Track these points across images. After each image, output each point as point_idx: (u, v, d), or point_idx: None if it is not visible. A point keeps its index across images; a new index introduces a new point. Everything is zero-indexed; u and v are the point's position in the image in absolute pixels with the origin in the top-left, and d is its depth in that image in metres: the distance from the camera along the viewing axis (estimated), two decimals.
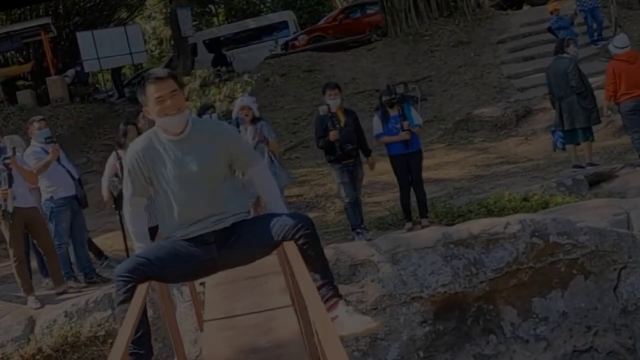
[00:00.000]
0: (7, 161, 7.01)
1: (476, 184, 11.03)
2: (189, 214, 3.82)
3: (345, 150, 8.19)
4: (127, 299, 3.57)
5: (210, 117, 8.61)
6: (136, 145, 3.89)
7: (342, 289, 6.53)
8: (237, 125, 8.05)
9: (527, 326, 6.71)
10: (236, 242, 3.84)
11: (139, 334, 3.65)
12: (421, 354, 6.47)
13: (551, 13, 16.35)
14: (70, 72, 21.55)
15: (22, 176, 7.18)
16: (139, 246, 3.99)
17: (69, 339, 6.60)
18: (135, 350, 3.66)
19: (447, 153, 13.70)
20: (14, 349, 6.59)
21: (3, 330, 6.75)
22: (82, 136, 18.08)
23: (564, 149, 10.22)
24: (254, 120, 8.16)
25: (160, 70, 3.86)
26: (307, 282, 3.32)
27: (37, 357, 6.57)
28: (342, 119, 8.32)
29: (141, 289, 3.63)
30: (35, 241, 7.50)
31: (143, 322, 3.71)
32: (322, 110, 8.28)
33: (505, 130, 14.52)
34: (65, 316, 6.79)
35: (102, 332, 6.48)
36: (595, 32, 16.87)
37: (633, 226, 7.07)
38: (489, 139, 14.21)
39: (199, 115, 8.63)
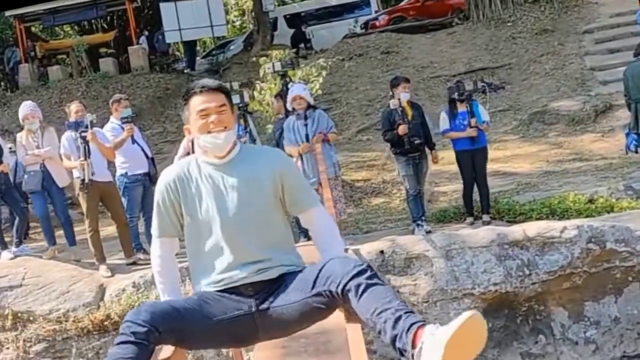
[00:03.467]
0: (84, 134, 7.45)
1: (545, 180, 10.97)
2: (225, 259, 3.05)
3: (413, 144, 8.32)
4: (126, 342, 2.74)
5: None
6: (168, 174, 3.18)
7: (396, 280, 6.80)
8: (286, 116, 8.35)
9: (577, 329, 6.78)
10: (280, 301, 3.00)
11: None
12: None
13: None
14: (142, 40, 22.10)
15: (100, 151, 7.61)
16: (165, 298, 3.19)
17: (135, 307, 6.97)
18: None
19: (519, 145, 13.60)
20: (85, 314, 7.03)
21: (76, 295, 7.21)
22: (160, 106, 18.61)
23: (636, 152, 10.07)
24: (309, 109, 8.25)
25: (209, 81, 3.22)
26: None
27: (106, 323, 6.99)
28: (410, 112, 8.43)
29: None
30: (109, 213, 7.97)
31: None
32: (393, 104, 8.39)
33: (582, 125, 14.26)
34: (133, 286, 7.19)
35: None
36: None
37: None
38: (564, 134, 14.01)
39: None
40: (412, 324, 2.61)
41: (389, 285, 2.91)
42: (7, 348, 7.12)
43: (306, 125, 8.07)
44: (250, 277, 3.03)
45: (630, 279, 6.84)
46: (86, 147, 7.47)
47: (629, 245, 6.79)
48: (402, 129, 8.23)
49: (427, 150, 8.62)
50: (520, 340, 6.73)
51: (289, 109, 8.46)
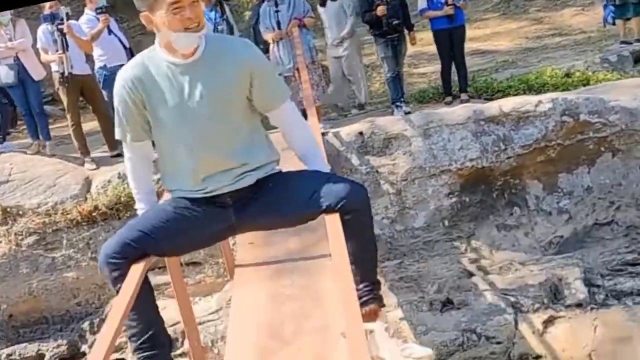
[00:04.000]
0: (60, 27, 7.40)
1: (524, 57, 11.02)
2: (198, 166, 2.87)
3: (392, 25, 8.28)
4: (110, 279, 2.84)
5: None
6: (126, 72, 2.88)
7: (375, 161, 6.95)
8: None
9: (551, 200, 7.00)
10: (262, 207, 2.93)
11: (149, 333, 2.92)
12: (446, 222, 6.87)
13: None
14: None
15: (77, 44, 7.58)
16: (141, 208, 3.10)
17: (122, 198, 7.12)
18: (147, 354, 2.92)
19: (500, 23, 13.54)
20: (73, 206, 7.17)
21: (63, 188, 7.33)
22: None
23: (614, 24, 10.07)
24: None
25: None
26: (343, 270, 2.53)
27: (94, 214, 7.13)
28: None
29: (134, 271, 2.80)
30: (91, 107, 8.02)
31: (150, 316, 2.96)
32: None
33: None
34: (119, 177, 7.28)
35: None
36: None
37: None
38: (545, 9, 13.96)
39: None
40: (369, 300, 2.90)
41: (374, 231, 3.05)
42: (0, 242, 7.31)
43: (277, 11, 7.99)
44: (227, 187, 2.90)
45: (602, 149, 7.01)
46: (63, 40, 7.44)
47: (602, 117, 6.93)
48: (380, 10, 8.19)
49: (405, 31, 8.62)
50: (496, 213, 6.95)
51: None
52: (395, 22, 8.29)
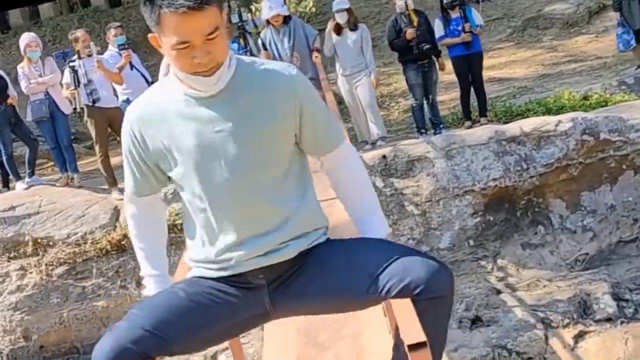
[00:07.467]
0: (72, 64, 7.65)
1: (540, 83, 11.15)
2: (224, 233, 2.16)
3: (422, 50, 8.34)
4: None
5: None
6: (131, 113, 2.20)
7: (399, 183, 7.06)
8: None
9: (575, 218, 7.07)
10: (304, 289, 2.18)
11: None
12: (471, 242, 6.94)
13: None
14: None
15: (109, 78, 7.79)
16: (149, 275, 2.35)
17: None
18: None
19: (514, 52, 13.70)
20: (102, 235, 7.31)
21: (92, 218, 7.47)
22: None
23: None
24: (286, 20, 8.12)
25: None
26: None
27: (123, 242, 7.25)
28: (415, 19, 8.43)
29: None
30: (118, 138, 8.19)
31: None
32: (400, 7, 8.41)
33: (577, 27, 14.35)
34: None
35: (179, 221, 7.10)
36: None
37: None
38: (558, 37, 14.11)
39: None
40: None
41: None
42: (30, 272, 7.39)
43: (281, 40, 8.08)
44: (259, 260, 2.15)
45: (624, 167, 7.08)
46: (75, 77, 7.66)
47: (623, 135, 7.02)
48: (410, 33, 8.22)
49: (434, 58, 8.65)
50: (521, 232, 7.02)
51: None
52: (426, 46, 8.33)
